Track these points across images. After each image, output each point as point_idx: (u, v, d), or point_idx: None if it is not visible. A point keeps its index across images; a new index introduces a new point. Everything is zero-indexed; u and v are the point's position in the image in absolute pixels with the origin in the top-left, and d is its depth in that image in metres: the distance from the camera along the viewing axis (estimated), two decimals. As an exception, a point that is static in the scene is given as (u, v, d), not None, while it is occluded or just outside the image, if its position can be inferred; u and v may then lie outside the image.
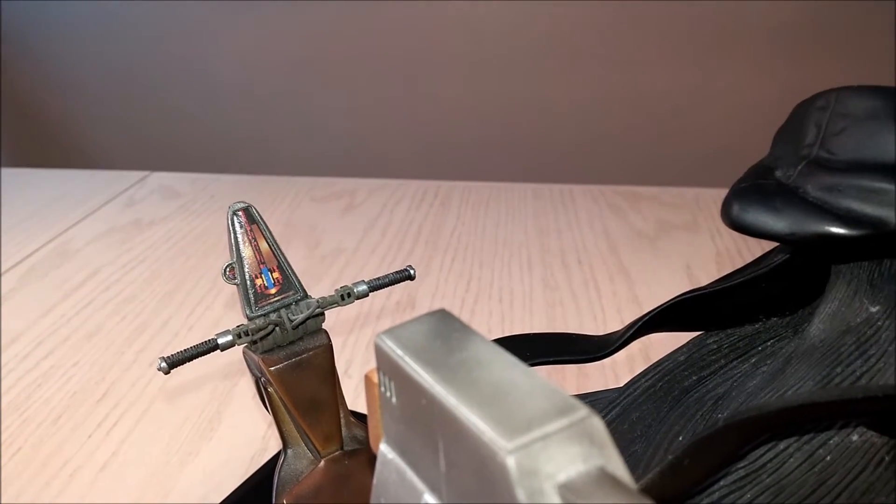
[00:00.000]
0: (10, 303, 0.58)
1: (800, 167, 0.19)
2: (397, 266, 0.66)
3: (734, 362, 0.23)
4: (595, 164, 0.98)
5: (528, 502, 0.11)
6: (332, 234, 0.72)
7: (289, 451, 0.27)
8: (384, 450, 0.15)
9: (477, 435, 0.11)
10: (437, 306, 0.62)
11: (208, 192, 0.81)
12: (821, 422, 0.18)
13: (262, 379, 0.26)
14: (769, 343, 0.23)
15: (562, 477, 0.11)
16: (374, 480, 0.15)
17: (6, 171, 0.89)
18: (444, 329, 0.14)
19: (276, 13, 0.91)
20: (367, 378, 0.16)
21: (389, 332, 0.15)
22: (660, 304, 0.23)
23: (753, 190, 0.19)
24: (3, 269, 0.64)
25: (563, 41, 0.92)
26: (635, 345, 0.47)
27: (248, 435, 0.43)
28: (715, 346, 0.24)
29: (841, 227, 0.17)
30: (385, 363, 0.15)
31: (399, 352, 0.14)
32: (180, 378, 0.48)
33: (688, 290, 0.23)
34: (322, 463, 0.26)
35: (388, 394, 0.15)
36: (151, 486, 0.39)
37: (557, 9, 0.90)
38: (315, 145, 0.95)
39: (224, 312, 0.55)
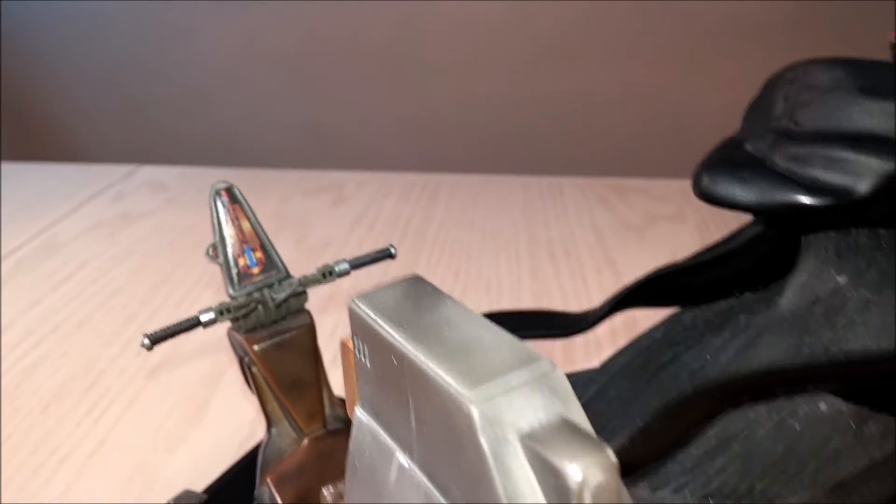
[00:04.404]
0: (-2, 295, 0.58)
1: (768, 139, 0.19)
2: (385, 261, 0.67)
3: (709, 337, 0.24)
4: (584, 156, 0.98)
5: (491, 450, 0.11)
6: (321, 226, 0.72)
7: (273, 430, 0.27)
8: (359, 413, 0.16)
9: (443, 388, 0.12)
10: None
11: (196, 185, 0.81)
12: (787, 388, 0.18)
13: (246, 359, 0.26)
14: (742, 317, 0.23)
15: (524, 426, 0.11)
16: (350, 445, 0.16)
17: (-6, 165, 0.89)
18: (416, 292, 0.15)
19: (263, 7, 0.91)
20: (343, 344, 0.16)
21: (363, 296, 0.15)
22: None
23: (723, 162, 0.19)
24: (-10, 262, 0.64)
25: (552, 36, 0.93)
26: (621, 322, 0.48)
27: (235, 421, 0.43)
28: (690, 322, 0.25)
29: (807, 196, 0.18)
30: (358, 327, 0.15)
31: (372, 315, 0.14)
32: (168, 368, 0.49)
33: (663, 265, 0.23)
34: (305, 441, 0.26)
35: (363, 357, 0.15)
36: (140, 472, 0.40)
37: (546, 4, 0.90)
38: (304, 139, 0.95)
39: (212, 303, 0.55)
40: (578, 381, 0.27)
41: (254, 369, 0.26)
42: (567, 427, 0.11)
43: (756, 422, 0.20)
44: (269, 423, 0.27)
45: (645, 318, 0.30)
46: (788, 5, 0.87)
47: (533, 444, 0.11)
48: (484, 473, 0.11)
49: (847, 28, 0.85)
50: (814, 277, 0.20)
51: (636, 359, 0.25)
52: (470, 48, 0.93)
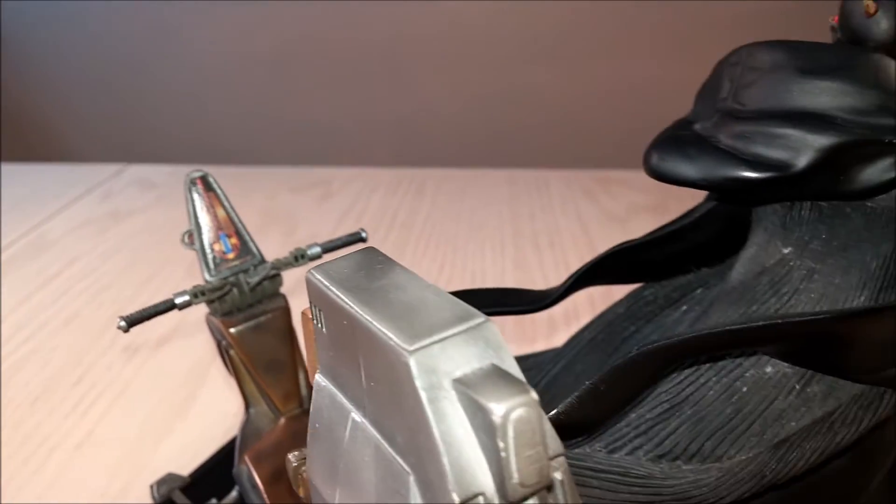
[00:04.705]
0: (-12, 292, 0.59)
1: (715, 119, 0.20)
2: (373, 251, 0.68)
3: (667, 311, 0.25)
4: (569, 150, 0.99)
5: (427, 396, 0.12)
6: (308, 221, 0.73)
7: (251, 411, 0.28)
8: (318, 378, 0.16)
9: (386, 343, 0.13)
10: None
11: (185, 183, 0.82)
12: (727, 349, 0.19)
13: (224, 342, 0.27)
14: (698, 291, 0.24)
15: (457, 373, 0.12)
16: (311, 408, 0.17)
17: (-17, 167, 0.90)
18: (368, 262, 0.15)
19: (251, 6, 0.91)
20: (303, 314, 0.17)
21: (318, 267, 0.16)
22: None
23: (671, 140, 0.20)
24: (-20, 261, 0.64)
25: (538, 31, 0.94)
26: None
27: (221, 413, 0.44)
28: (651, 297, 0.25)
29: (749, 170, 0.19)
30: (315, 295, 0.16)
31: (326, 283, 0.15)
32: (156, 362, 0.49)
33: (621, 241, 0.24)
34: (282, 420, 0.27)
35: (319, 325, 0.16)
36: (127, 461, 0.40)
37: (531, 3, 0.91)
38: (292, 136, 0.95)
39: (200, 297, 0.55)
40: (547, 357, 0.28)
41: (231, 352, 0.27)
42: (495, 372, 0.12)
43: (706, 386, 0.21)
44: (248, 404, 0.28)
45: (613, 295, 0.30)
46: (764, 5, 0.88)
47: (464, 388, 0.12)
48: (422, 418, 0.12)
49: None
50: (761, 249, 0.21)
51: (601, 334, 0.26)
52: (457, 46, 0.93)
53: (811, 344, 0.19)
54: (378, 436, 0.14)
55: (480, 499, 0.12)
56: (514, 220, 0.74)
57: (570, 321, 0.51)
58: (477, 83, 0.95)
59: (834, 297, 0.20)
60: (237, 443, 0.28)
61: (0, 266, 0.63)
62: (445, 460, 0.12)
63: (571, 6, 0.92)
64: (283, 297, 0.27)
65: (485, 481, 0.12)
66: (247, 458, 0.26)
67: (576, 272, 0.24)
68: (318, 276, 0.15)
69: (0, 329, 0.53)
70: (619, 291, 0.27)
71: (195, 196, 0.26)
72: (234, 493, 0.31)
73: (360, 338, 0.14)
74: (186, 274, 0.60)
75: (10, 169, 0.88)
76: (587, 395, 0.18)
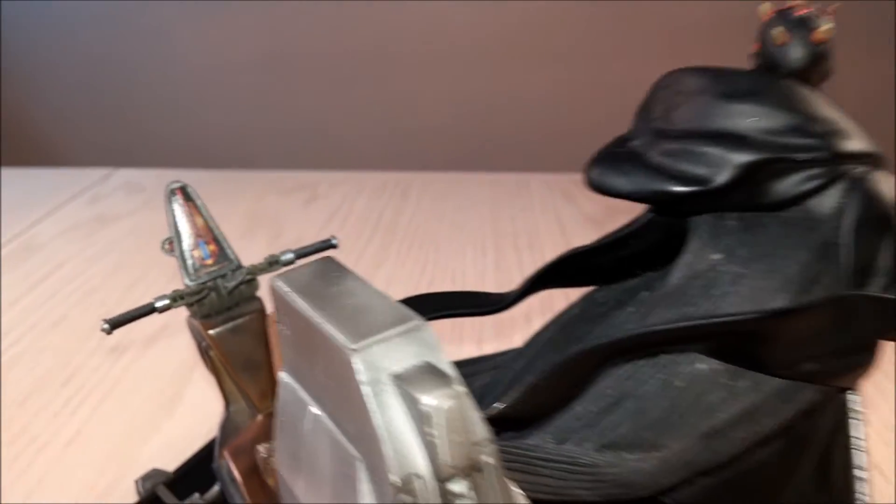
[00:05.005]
0: (-23, 296, 0.60)
1: (647, 137, 0.22)
2: (356, 255, 0.69)
3: (616, 312, 0.27)
4: (551, 153, 1.01)
5: (370, 390, 0.14)
6: (294, 224, 0.75)
7: (230, 408, 0.30)
8: (282, 376, 0.18)
9: (336, 342, 0.14)
10: (392, 290, 0.64)
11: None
12: (657, 347, 0.21)
13: (203, 343, 0.29)
14: (644, 293, 0.26)
15: (397, 369, 0.14)
16: (276, 403, 0.18)
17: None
18: (326, 271, 0.17)
19: (237, 10, 0.93)
20: (269, 318, 0.19)
21: (281, 275, 0.17)
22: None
23: (608, 156, 0.22)
24: (-31, 265, 0.66)
25: (521, 37, 0.95)
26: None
27: (206, 411, 0.45)
28: (602, 300, 0.27)
29: (675, 185, 0.21)
30: (279, 301, 0.17)
31: (287, 289, 0.17)
32: (142, 362, 0.51)
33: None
34: (259, 417, 0.29)
35: (284, 327, 0.18)
36: (114, 459, 0.42)
37: (513, 5, 0.93)
38: (279, 139, 0.97)
39: (186, 299, 0.57)
40: (509, 356, 0.30)
41: (211, 353, 0.29)
42: (428, 369, 0.14)
43: (646, 382, 0.22)
44: (227, 402, 0.30)
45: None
46: (737, 5, 0.90)
47: (402, 382, 0.14)
48: (366, 410, 0.14)
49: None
50: (695, 256, 0.23)
51: (557, 334, 0.28)
52: (442, 51, 0.95)
53: (735, 341, 0.21)
54: (333, 427, 0.16)
55: (416, 479, 0.14)
56: (495, 222, 0.76)
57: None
58: (461, 88, 0.97)
59: (758, 299, 0.22)
60: (217, 439, 0.29)
61: (-11, 270, 0.64)
62: (386, 447, 0.14)
63: (552, 12, 0.94)
64: (260, 300, 0.29)
65: (420, 464, 0.14)
66: (226, 453, 0.28)
67: (531, 276, 0.26)
68: (281, 284, 0.17)
69: (-10, 332, 0.55)
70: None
71: (175, 206, 0.28)
72: (216, 488, 0.33)
73: (315, 338, 0.16)
74: (172, 277, 0.61)
75: (-2, 173, 0.89)
76: (531, 391, 0.20)
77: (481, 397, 0.21)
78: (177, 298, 0.26)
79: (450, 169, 0.93)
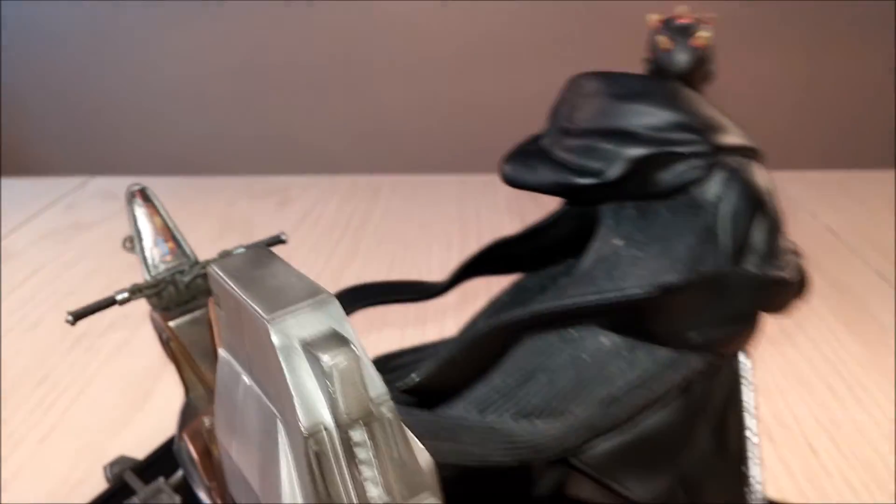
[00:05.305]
0: (-46, 302, 0.61)
1: (554, 135, 0.25)
2: (326, 254, 0.71)
3: (539, 296, 0.29)
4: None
5: (283, 355, 0.16)
6: (266, 227, 0.77)
7: (190, 395, 0.32)
8: (221, 353, 0.20)
9: (256, 315, 0.17)
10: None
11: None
12: (560, 322, 0.24)
13: (164, 334, 0.31)
14: (562, 279, 0.29)
15: (305, 336, 0.16)
16: (216, 377, 0.21)
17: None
18: (257, 258, 0.20)
19: (210, 19, 0.94)
20: (210, 301, 0.21)
21: (217, 262, 0.20)
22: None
23: (519, 153, 0.25)
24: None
25: (484, 43, 0.98)
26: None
27: (175, 406, 0.47)
28: (529, 285, 0.30)
29: (574, 177, 0.23)
30: (215, 285, 0.20)
31: (221, 274, 0.19)
32: (115, 363, 0.53)
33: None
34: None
35: (220, 309, 0.20)
36: (87, 451, 0.44)
37: (480, 6, 0.96)
38: (251, 145, 0.99)
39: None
40: (448, 341, 0.32)
41: (171, 343, 0.31)
42: (331, 334, 0.16)
43: (555, 356, 0.25)
44: (187, 389, 0.32)
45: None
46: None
47: (309, 346, 0.16)
48: (282, 371, 0.16)
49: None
50: (601, 242, 0.26)
51: (491, 318, 0.31)
52: (409, 57, 0.97)
53: (632, 315, 0.23)
54: (259, 392, 0.18)
55: (323, 429, 0.16)
56: (461, 220, 0.79)
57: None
58: (431, 92, 0.99)
59: (653, 278, 0.24)
60: (177, 423, 0.32)
61: (-35, 277, 0.66)
62: (296, 402, 0.16)
63: (517, 18, 0.97)
64: (216, 293, 0.31)
65: (325, 415, 0.16)
66: (184, 436, 0.30)
67: (461, 265, 0.28)
68: (216, 269, 0.19)
69: (-34, 336, 0.56)
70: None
71: (135, 206, 0.30)
72: (179, 473, 0.35)
73: (242, 315, 0.18)
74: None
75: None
76: (445, 364, 0.22)
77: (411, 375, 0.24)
78: (136, 291, 0.28)
79: (419, 171, 0.96)
